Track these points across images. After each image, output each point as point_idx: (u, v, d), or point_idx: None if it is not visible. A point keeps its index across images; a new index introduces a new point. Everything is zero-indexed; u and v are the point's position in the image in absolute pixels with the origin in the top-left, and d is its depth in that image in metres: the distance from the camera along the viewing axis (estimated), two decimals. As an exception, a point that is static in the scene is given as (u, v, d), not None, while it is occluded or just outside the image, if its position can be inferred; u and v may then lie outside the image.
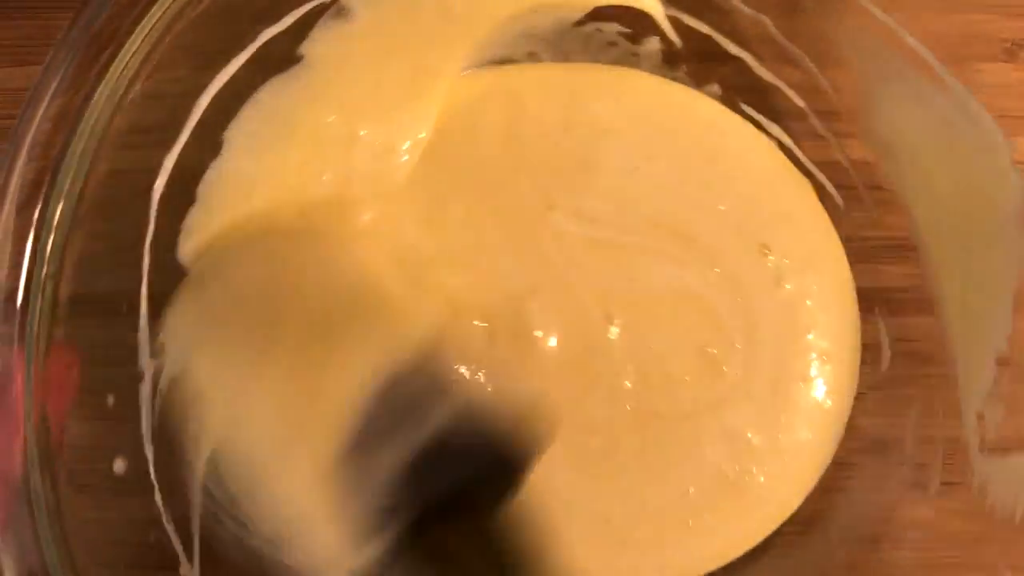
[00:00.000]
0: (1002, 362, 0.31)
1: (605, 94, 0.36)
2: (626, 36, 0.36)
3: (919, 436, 0.34)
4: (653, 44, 0.36)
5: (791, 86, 0.35)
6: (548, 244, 0.35)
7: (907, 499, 0.34)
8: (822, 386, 0.36)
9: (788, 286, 0.36)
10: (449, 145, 0.36)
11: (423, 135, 0.35)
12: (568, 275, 0.35)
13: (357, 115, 0.34)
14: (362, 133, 0.35)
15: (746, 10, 0.34)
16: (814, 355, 0.36)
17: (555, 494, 0.34)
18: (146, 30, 0.27)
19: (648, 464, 0.35)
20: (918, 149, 0.33)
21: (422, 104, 0.35)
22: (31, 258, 0.26)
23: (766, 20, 0.34)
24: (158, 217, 0.29)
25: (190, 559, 0.30)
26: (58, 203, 0.26)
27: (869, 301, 0.36)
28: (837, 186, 0.36)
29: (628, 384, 0.35)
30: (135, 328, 0.30)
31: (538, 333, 0.35)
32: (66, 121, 0.26)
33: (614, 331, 0.35)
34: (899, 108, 0.33)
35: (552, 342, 0.35)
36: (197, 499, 0.30)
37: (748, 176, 0.36)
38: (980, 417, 0.32)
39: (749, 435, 0.35)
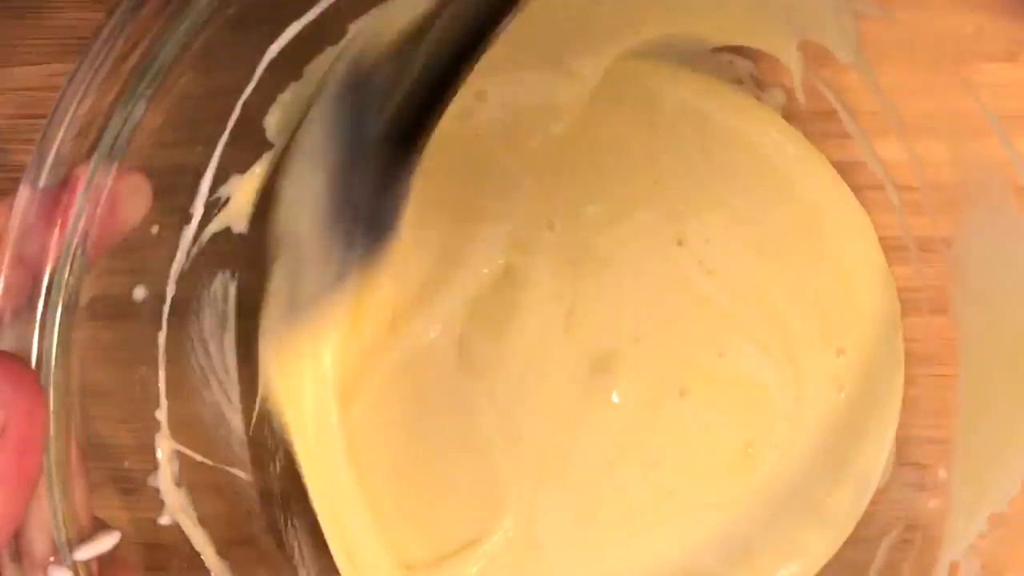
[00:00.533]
0: (994, 521, 0.30)
1: (739, 127, 0.35)
2: (755, 78, 0.36)
3: (922, 436, 0.34)
4: (778, 96, 0.36)
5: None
6: (667, 286, 0.34)
7: (909, 499, 0.34)
8: (834, 517, 0.34)
9: (842, 394, 0.34)
10: (588, 131, 0.34)
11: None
12: (670, 332, 0.34)
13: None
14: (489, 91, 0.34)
15: (880, 94, 0.34)
16: (847, 482, 0.34)
17: (542, 548, 0.34)
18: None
19: (637, 548, 0.34)
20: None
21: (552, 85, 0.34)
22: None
23: (898, 106, 0.34)
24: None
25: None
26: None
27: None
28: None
29: (661, 459, 0.34)
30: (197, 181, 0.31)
31: (614, 393, 0.34)
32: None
33: (680, 407, 0.34)
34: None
35: (615, 397, 0.34)
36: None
37: (845, 260, 0.35)
38: (955, 567, 0.31)
39: (752, 543, 0.34)
